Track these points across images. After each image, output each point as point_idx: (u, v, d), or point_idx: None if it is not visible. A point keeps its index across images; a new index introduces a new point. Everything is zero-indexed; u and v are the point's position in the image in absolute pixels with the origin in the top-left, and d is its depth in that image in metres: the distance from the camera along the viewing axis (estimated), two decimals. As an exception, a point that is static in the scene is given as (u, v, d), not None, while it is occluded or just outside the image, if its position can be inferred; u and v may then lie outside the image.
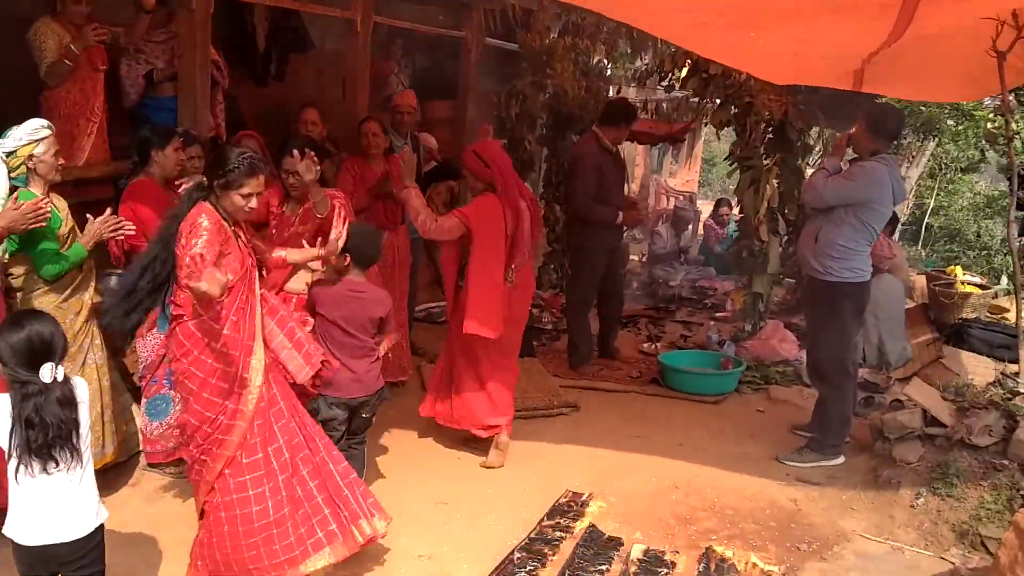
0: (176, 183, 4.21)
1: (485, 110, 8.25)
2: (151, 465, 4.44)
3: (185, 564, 3.50)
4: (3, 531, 2.65)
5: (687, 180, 19.63)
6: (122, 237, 4.02)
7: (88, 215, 3.89)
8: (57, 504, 2.60)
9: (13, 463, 2.52)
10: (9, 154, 3.60)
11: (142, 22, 5.30)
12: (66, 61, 4.70)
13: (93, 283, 4.03)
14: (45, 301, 3.75)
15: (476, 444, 4.94)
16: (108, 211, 3.94)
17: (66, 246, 3.80)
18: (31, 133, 3.62)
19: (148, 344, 4.35)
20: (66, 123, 4.70)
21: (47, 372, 2.53)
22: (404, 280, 5.82)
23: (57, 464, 2.56)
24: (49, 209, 3.57)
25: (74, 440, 2.58)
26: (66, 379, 2.60)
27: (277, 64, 8.11)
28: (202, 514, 3.45)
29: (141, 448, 4.45)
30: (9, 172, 3.59)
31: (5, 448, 2.53)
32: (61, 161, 3.74)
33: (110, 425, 4.09)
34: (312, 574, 3.43)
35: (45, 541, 2.60)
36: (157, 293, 3.27)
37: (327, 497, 3.46)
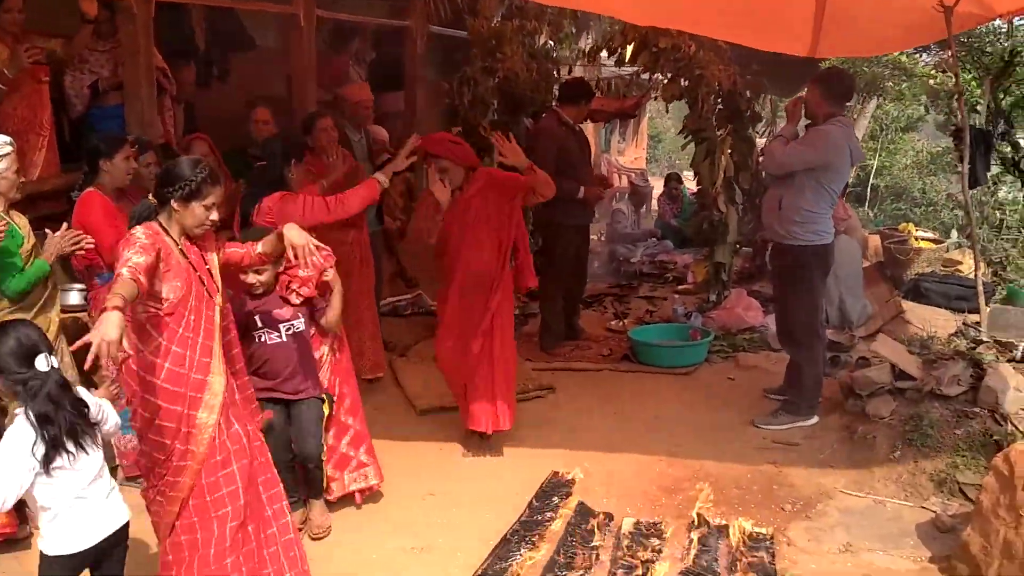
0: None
1: (436, 100, 8.21)
2: (128, 479, 4.36)
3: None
4: (47, 551, 2.70)
5: (635, 158, 19.76)
6: (82, 252, 3.92)
7: (47, 230, 3.80)
8: (94, 500, 2.72)
9: (43, 470, 2.58)
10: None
11: (84, 31, 5.20)
12: (1, 86, 4.59)
13: (58, 301, 3.93)
14: (11, 321, 3.65)
15: (462, 437, 4.93)
16: (64, 225, 3.85)
17: (28, 263, 3.71)
18: None
19: (113, 359, 4.27)
20: (17, 139, 4.54)
21: (43, 361, 2.60)
22: (370, 276, 5.77)
23: (84, 449, 2.64)
24: (5, 226, 3.49)
25: (89, 418, 2.69)
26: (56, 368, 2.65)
27: (219, 64, 7.99)
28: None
29: (117, 463, 4.37)
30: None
31: (36, 463, 2.56)
32: (22, 178, 3.65)
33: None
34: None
35: (95, 539, 2.72)
36: None
37: (275, 552, 3.25)
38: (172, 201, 3.00)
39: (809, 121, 5.07)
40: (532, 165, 4.55)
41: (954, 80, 6.45)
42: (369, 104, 6.12)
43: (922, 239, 7.65)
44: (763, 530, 3.93)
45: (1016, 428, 4.26)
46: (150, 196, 3.09)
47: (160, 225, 3.02)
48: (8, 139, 3.62)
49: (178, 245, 3.03)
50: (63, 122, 5.41)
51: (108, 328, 2.41)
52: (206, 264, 3.15)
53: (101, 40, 5.28)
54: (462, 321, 4.69)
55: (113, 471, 4.30)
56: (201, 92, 6.94)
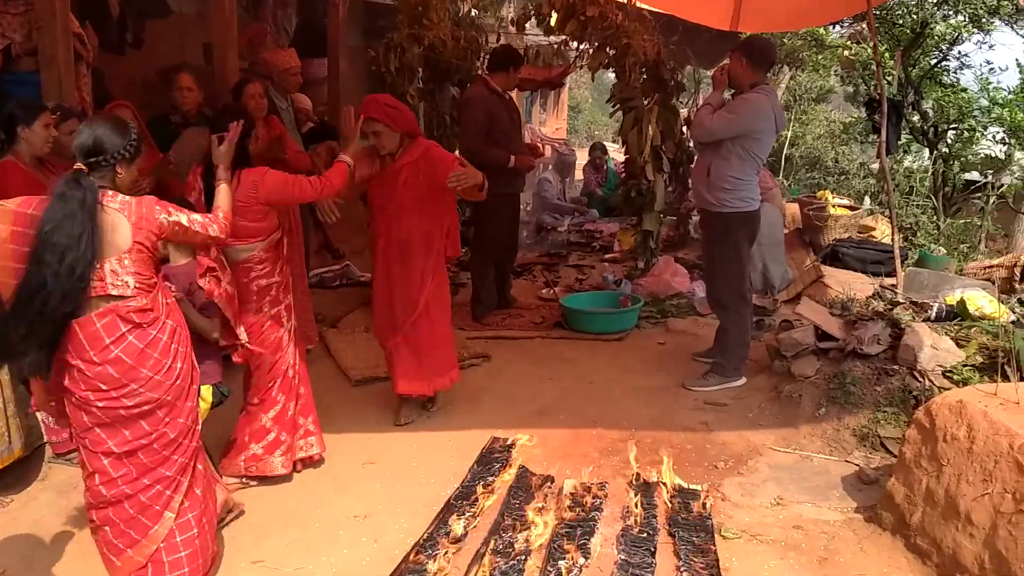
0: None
1: (361, 67, 8.09)
2: (57, 455, 4.25)
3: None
4: None
5: (556, 128, 19.85)
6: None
7: None
8: None
9: None
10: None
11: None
12: None
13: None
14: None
15: (397, 406, 4.92)
16: None
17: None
18: None
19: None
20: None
21: None
22: (300, 246, 5.69)
23: None
24: None
25: None
26: None
27: (133, 31, 7.71)
28: None
29: (46, 439, 4.24)
30: None
31: None
32: None
33: (14, 419, 3.89)
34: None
35: None
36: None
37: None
38: (117, 165, 2.94)
39: (734, 90, 5.17)
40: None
41: (868, 51, 6.64)
42: (297, 71, 6.01)
43: (838, 206, 7.90)
44: (698, 487, 4.05)
45: (933, 384, 4.46)
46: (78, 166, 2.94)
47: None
48: None
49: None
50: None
51: None
52: None
53: (12, 2, 5.04)
54: (388, 290, 4.65)
55: (40, 449, 4.21)
56: (113, 59, 6.69)
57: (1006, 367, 4.00)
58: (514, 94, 7.04)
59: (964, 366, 4.50)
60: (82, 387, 2.87)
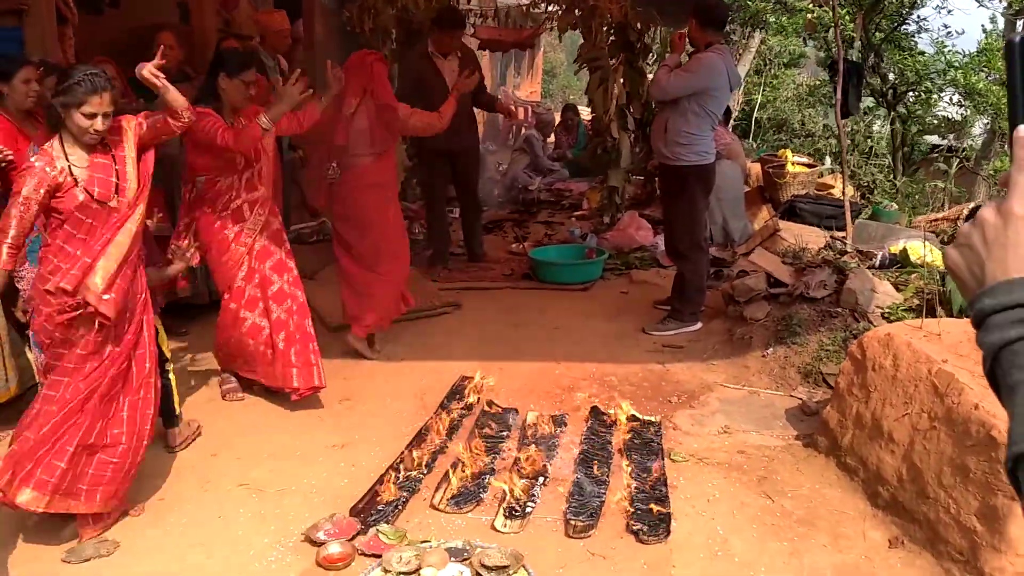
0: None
1: (336, 27, 8.25)
2: (51, 395, 4.48)
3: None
4: None
5: (531, 91, 19.98)
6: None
7: None
8: None
9: None
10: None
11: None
12: None
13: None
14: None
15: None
16: None
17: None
18: None
19: (25, 278, 4.35)
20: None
21: None
22: (280, 201, 5.91)
23: None
24: None
25: None
26: None
27: (115, -11, 7.82)
28: None
29: (38, 380, 4.47)
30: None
31: None
32: None
33: (10, 360, 4.12)
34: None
35: None
36: None
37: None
38: (57, 106, 3.13)
39: (694, 50, 5.44)
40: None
41: (830, 14, 6.90)
42: (287, 33, 6.21)
43: (797, 164, 8.21)
44: (652, 418, 4.37)
45: (871, 324, 4.78)
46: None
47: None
48: None
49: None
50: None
51: None
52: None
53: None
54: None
55: (32, 389, 4.44)
56: (91, 19, 6.83)
57: (937, 307, 4.33)
58: (485, 58, 7.26)
59: (901, 308, 4.83)
60: None
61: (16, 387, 4.22)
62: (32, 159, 3.21)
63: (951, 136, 11.09)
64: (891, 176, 9.39)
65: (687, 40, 5.47)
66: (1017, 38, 0.91)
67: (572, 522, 3.39)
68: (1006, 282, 0.86)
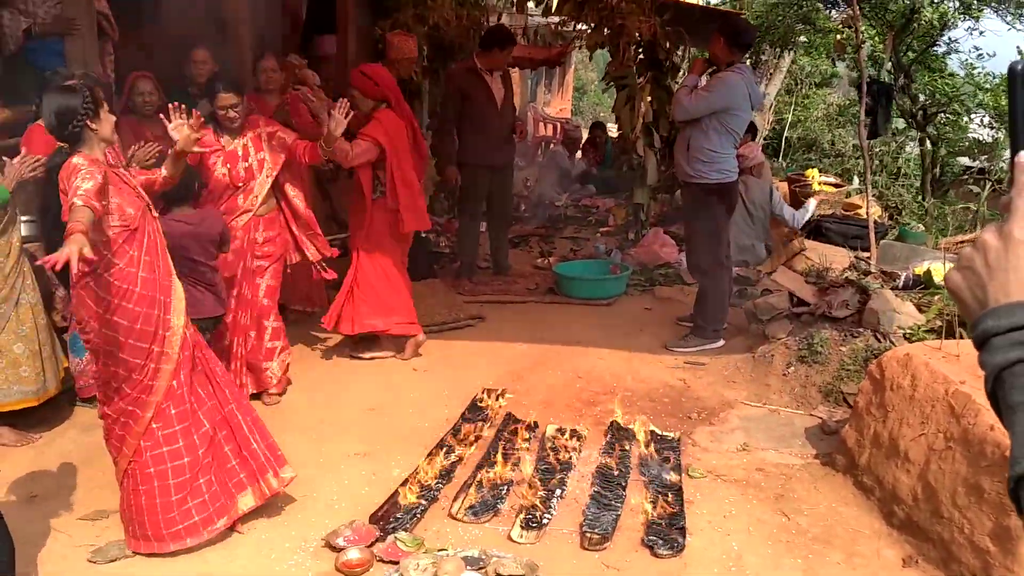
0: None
1: (369, 45, 8.38)
2: (83, 400, 4.61)
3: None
4: None
5: (561, 108, 20.08)
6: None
7: (4, 158, 3.99)
8: None
9: None
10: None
11: (17, -32, 5.25)
12: None
13: (19, 225, 4.13)
14: (-28, 246, 3.86)
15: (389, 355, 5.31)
16: (24, 151, 4.04)
17: (-12, 191, 3.90)
18: None
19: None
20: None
21: None
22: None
23: None
24: None
25: None
26: None
27: (151, 6, 8.01)
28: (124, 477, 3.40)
29: (75, 384, 4.60)
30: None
31: None
32: None
33: (50, 361, 4.24)
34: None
35: None
36: None
37: (235, 448, 3.50)
38: (89, 123, 3.16)
39: (715, 68, 5.49)
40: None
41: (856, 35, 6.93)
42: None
43: (824, 183, 8.21)
44: (671, 434, 4.41)
45: (893, 344, 4.78)
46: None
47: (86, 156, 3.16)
48: None
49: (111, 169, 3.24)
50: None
51: (76, 243, 2.68)
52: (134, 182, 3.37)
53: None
54: None
55: (71, 391, 4.57)
56: (126, 34, 7.00)
57: (959, 328, 4.33)
58: (516, 75, 7.36)
59: (922, 329, 4.83)
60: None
61: (56, 388, 4.34)
62: None
63: (983, 158, 11.00)
64: (920, 197, 9.35)
65: (710, 58, 5.51)
66: (1020, 66, 0.94)
67: (588, 534, 3.44)
68: (1007, 305, 0.90)
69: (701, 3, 8.71)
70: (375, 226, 5.19)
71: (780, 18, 10.12)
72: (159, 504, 3.30)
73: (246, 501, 3.50)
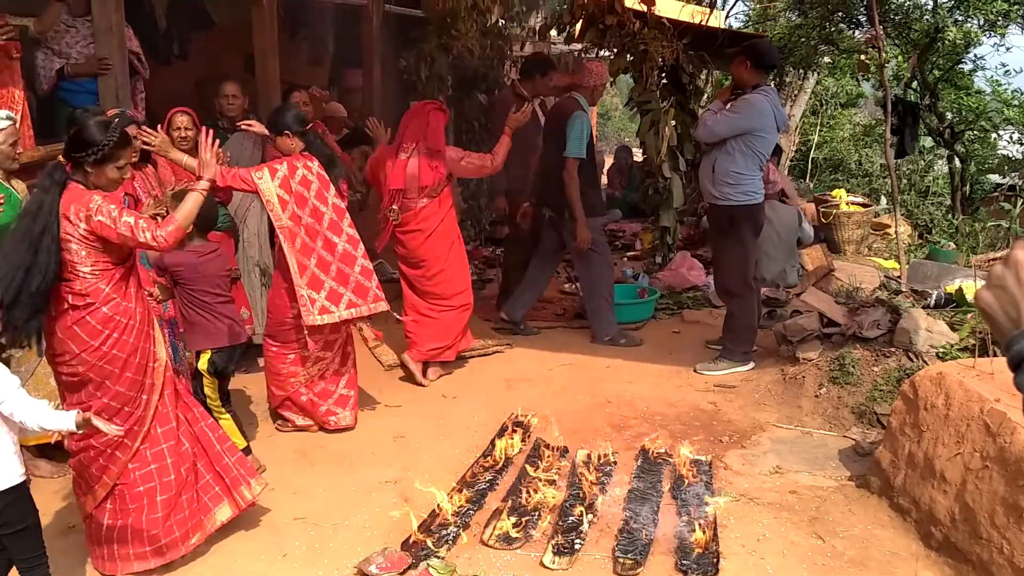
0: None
1: (394, 76, 8.51)
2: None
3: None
4: None
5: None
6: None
7: None
8: None
9: None
10: (-6, 136, 3.77)
11: (54, 8, 5.38)
12: None
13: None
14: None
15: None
16: None
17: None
18: None
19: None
20: (-8, 115, 4.78)
21: None
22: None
23: None
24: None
25: None
26: None
27: (179, 43, 8.21)
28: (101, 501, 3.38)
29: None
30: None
31: None
32: (19, 150, 3.92)
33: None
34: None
35: None
36: (46, 292, 3.08)
37: (207, 463, 3.58)
38: (85, 165, 3.15)
39: (739, 91, 5.49)
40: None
41: (885, 55, 6.92)
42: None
43: (852, 203, 8.17)
44: (703, 457, 4.38)
45: (926, 363, 4.73)
46: (60, 157, 3.21)
47: (81, 184, 3.17)
48: (8, 112, 3.88)
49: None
50: (31, 99, 5.61)
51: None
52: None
53: (71, 17, 5.49)
54: None
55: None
56: (156, 71, 7.16)
57: (994, 346, 4.27)
58: (539, 101, 7.41)
59: (955, 348, 4.77)
60: (48, 350, 3.25)
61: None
62: None
63: (1013, 175, 10.89)
64: (950, 215, 9.26)
65: (734, 81, 5.53)
66: None
67: (621, 560, 3.42)
68: None
69: (723, 27, 8.74)
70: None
71: (802, 40, 10.13)
72: (145, 521, 3.35)
73: (223, 513, 3.58)
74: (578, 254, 6.13)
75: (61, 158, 3.19)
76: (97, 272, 3.16)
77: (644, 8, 7.09)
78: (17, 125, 3.97)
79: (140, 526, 3.36)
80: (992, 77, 9.99)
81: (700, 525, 3.67)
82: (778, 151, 7.38)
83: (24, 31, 5.26)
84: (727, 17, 15.00)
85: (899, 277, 6.15)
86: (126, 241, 3.16)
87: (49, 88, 5.58)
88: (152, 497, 3.36)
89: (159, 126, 5.21)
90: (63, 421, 2.91)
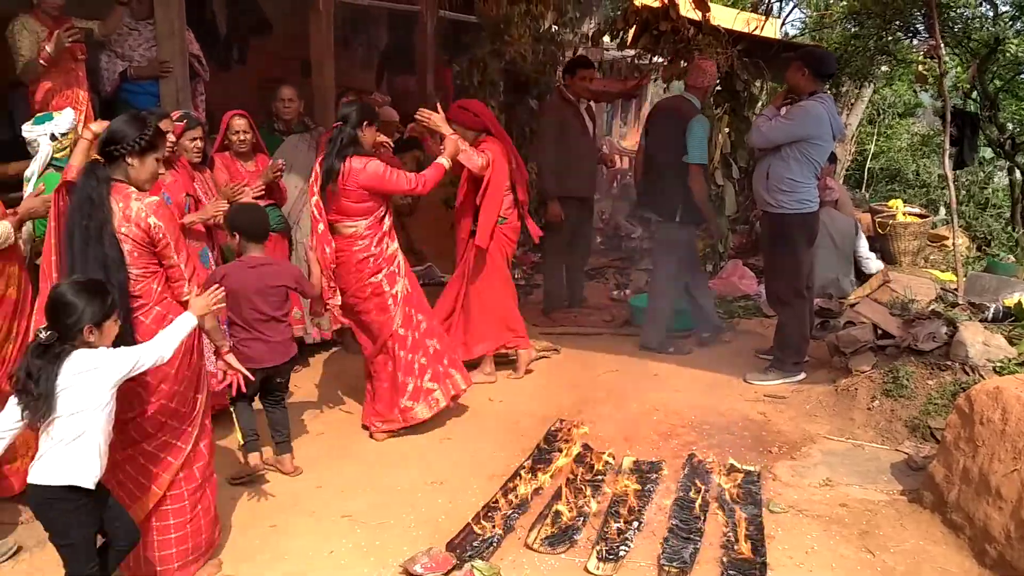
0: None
1: (447, 81, 8.57)
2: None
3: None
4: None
5: (636, 141, 20.01)
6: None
7: None
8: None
9: None
10: (63, 135, 3.88)
11: (117, 12, 5.53)
12: (41, 62, 4.88)
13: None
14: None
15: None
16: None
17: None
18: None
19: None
20: (57, 116, 4.92)
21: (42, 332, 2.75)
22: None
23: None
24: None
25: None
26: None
27: (239, 48, 8.37)
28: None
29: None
30: (54, 153, 3.87)
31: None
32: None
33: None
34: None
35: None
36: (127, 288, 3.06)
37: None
38: (127, 157, 3.06)
39: (794, 97, 5.43)
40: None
41: (944, 65, 6.80)
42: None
43: (909, 214, 8.02)
44: (751, 468, 4.33)
45: (983, 378, 4.62)
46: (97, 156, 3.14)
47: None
48: (74, 113, 4.00)
49: None
50: (94, 100, 5.75)
51: None
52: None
53: (135, 20, 5.62)
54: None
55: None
56: (216, 75, 7.30)
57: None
58: (594, 105, 7.43)
59: (1014, 362, 4.66)
60: None
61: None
62: None
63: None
64: (1009, 228, 9.04)
65: (788, 87, 5.46)
66: None
67: (666, 568, 3.40)
68: None
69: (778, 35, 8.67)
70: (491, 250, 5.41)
71: (859, 49, 9.97)
72: (174, 540, 3.32)
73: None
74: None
75: (98, 156, 3.12)
76: (148, 273, 3.16)
77: (699, 15, 7.04)
78: (80, 125, 4.06)
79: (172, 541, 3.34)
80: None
81: (747, 536, 3.63)
82: (833, 160, 7.27)
83: (89, 34, 5.41)
84: (783, 25, 14.89)
85: (956, 289, 6.02)
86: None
87: (112, 90, 5.73)
88: (195, 509, 3.38)
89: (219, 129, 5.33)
90: (184, 325, 3.03)
